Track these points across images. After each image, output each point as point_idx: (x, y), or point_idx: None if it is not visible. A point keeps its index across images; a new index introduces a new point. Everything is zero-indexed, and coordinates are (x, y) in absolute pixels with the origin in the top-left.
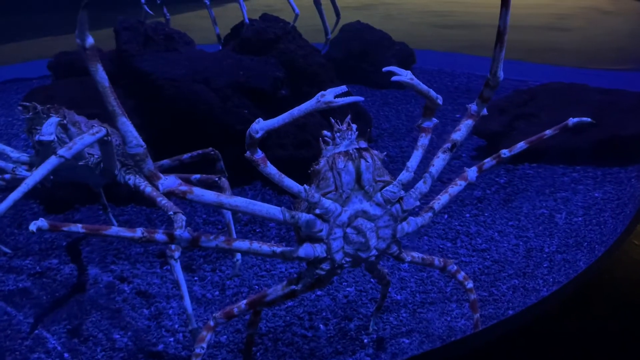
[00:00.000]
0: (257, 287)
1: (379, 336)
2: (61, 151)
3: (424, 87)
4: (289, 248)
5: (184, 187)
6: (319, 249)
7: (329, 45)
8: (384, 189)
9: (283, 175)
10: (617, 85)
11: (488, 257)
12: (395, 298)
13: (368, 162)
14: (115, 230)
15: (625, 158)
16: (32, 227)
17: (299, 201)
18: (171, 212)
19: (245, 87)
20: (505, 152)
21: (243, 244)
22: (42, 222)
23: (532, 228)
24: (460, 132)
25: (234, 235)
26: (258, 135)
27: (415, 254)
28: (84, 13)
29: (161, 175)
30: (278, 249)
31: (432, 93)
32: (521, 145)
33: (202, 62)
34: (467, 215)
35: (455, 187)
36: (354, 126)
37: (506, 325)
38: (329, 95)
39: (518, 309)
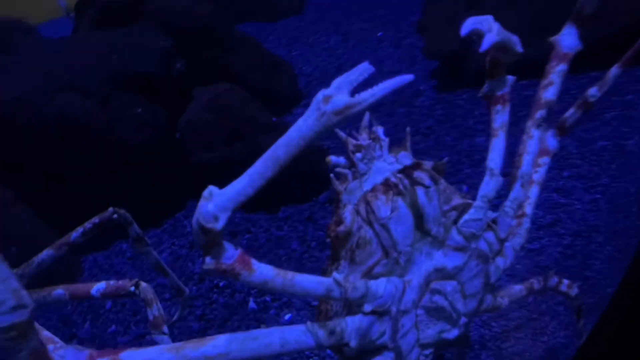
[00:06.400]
0: None
1: None
2: None
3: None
4: None
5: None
6: None
7: None
8: (462, 220)
9: (290, 274)
10: None
11: (563, 231)
12: None
13: (428, 187)
14: None
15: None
16: None
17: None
18: None
19: (127, 76)
20: (594, 92)
21: None
22: None
23: (604, 172)
24: (554, 86)
25: None
26: (220, 225)
27: (513, 289)
28: None
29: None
30: None
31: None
32: (615, 71)
33: (58, 58)
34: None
35: (541, 170)
36: (380, 130)
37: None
38: (341, 95)
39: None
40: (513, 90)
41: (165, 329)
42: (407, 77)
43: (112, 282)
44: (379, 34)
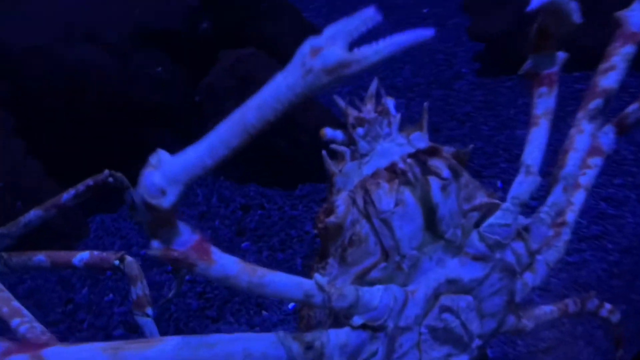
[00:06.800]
0: None
1: None
2: None
3: None
4: None
5: None
6: None
7: None
8: (485, 224)
9: (261, 271)
10: None
11: (610, 245)
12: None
13: (445, 179)
14: None
15: None
16: None
17: None
18: None
19: (150, 32)
20: None
21: None
22: None
23: None
24: (616, 71)
25: None
26: (168, 202)
27: (543, 310)
28: None
29: None
30: None
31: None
32: None
33: (81, 8)
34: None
35: (591, 173)
36: (391, 102)
37: None
38: (335, 48)
39: None
40: (562, 84)
41: (149, 311)
42: (425, 32)
43: (96, 252)
44: (424, 10)
